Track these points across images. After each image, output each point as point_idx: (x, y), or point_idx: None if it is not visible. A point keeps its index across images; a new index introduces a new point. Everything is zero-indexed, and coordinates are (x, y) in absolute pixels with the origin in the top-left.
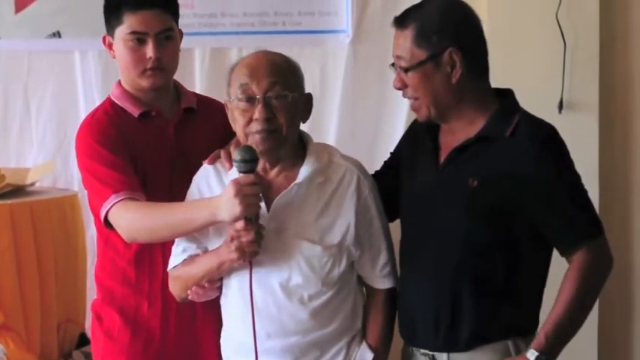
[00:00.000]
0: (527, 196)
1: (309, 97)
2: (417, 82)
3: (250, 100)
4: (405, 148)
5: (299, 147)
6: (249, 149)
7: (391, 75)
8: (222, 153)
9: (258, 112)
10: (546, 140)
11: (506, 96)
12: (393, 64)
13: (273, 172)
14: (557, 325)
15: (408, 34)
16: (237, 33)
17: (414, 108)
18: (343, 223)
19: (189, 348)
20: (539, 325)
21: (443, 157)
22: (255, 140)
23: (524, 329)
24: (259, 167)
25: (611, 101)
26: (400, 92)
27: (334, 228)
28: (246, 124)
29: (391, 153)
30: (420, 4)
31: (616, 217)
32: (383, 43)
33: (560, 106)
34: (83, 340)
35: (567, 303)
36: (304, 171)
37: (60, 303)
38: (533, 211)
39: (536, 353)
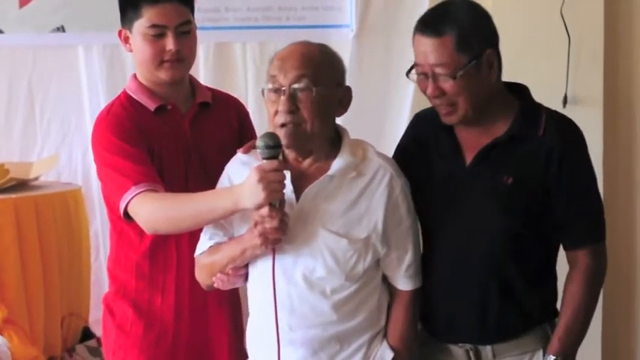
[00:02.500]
0: (556, 190)
1: (347, 90)
2: (461, 88)
3: (277, 91)
4: (410, 148)
5: (334, 140)
6: (272, 135)
7: (395, 69)
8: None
9: (281, 104)
10: (577, 139)
11: (521, 91)
12: (409, 71)
13: (305, 163)
14: (569, 329)
15: (447, 42)
16: (240, 28)
17: (446, 113)
18: (371, 218)
19: (201, 341)
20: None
21: (469, 155)
22: (281, 133)
23: (555, 311)
24: (291, 157)
25: (615, 96)
26: (403, 86)
27: (362, 222)
28: (273, 116)
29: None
30: (444, 10)
31: (620, 212)
32: (386, 38)
33: (565, 101)
34: (87, 334)
35: (576, 307)
36: (337, 164)
37: (64, 297)
38: (558, 204)
39: (554, 357)
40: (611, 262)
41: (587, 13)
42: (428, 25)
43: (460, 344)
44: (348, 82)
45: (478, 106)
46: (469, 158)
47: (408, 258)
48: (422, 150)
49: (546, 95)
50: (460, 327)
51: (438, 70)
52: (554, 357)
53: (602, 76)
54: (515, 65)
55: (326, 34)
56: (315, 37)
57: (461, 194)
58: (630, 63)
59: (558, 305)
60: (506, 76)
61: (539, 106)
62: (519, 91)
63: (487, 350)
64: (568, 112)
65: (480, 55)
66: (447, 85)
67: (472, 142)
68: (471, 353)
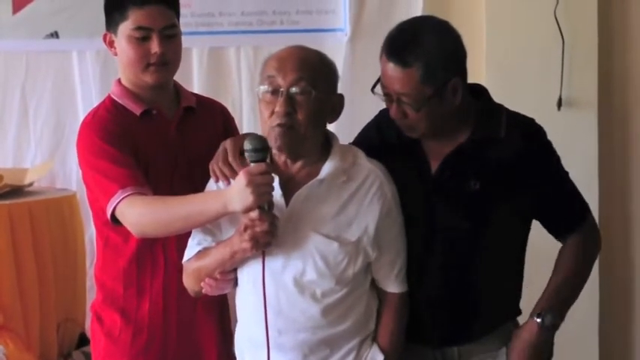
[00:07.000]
0: (529, 187)
1: (340, 98)
2: (423, 116)
3: (275, 92)
4: (375, 144)
5: (324, 146)
6: (259, 138)
7: None
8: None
9: (279, 105)
10: (541, 135)
11: (479, 93)
12: (374, 86)
13: (295, 167)
14: (557, 291)
15: (413, 74)
16: (235, 32)
17: (407, 130)
18: (362, 222)
19: (190, 346)
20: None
21: (434, 163)
22: (274, 134)
23: (519, 310)
24: (281, 161)
25: (609, 98)
26: None
27: (352, 226)
28: (268, 117)
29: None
30: (412, 37)
31: (616, 214)
32: (380, 42)
33: (559, 104)
34: (83, 340)
35: (566, 271)
36: (327, 168)
37: (59, 303)
38: (536, 200)
39: (539, 317)
40: (607, 264)
41: (581, 15)
42: (395, 52)
43: (426, 345)
44: (341, 86)
45: (439, 126)
46: (434, 166)
47: (400, 261)
48: (385, 150)
49: (541, 97)
50: (426, 328)
51: (403, 98)
52: (538, 317)
53: (596, 78)
54: (509, 68)
55: (320, 38)
56: (309, 41)
57: (428, 201)
58: (625, 65)
59: (521, 304)
60: (501, 78)
61: (500, 107)
62: (479, 92)
63: (453, 351)
64: (563, 114)
65: (445, 85)
66: (410, 113)
67: (437, 150)
68: (437, 354)
